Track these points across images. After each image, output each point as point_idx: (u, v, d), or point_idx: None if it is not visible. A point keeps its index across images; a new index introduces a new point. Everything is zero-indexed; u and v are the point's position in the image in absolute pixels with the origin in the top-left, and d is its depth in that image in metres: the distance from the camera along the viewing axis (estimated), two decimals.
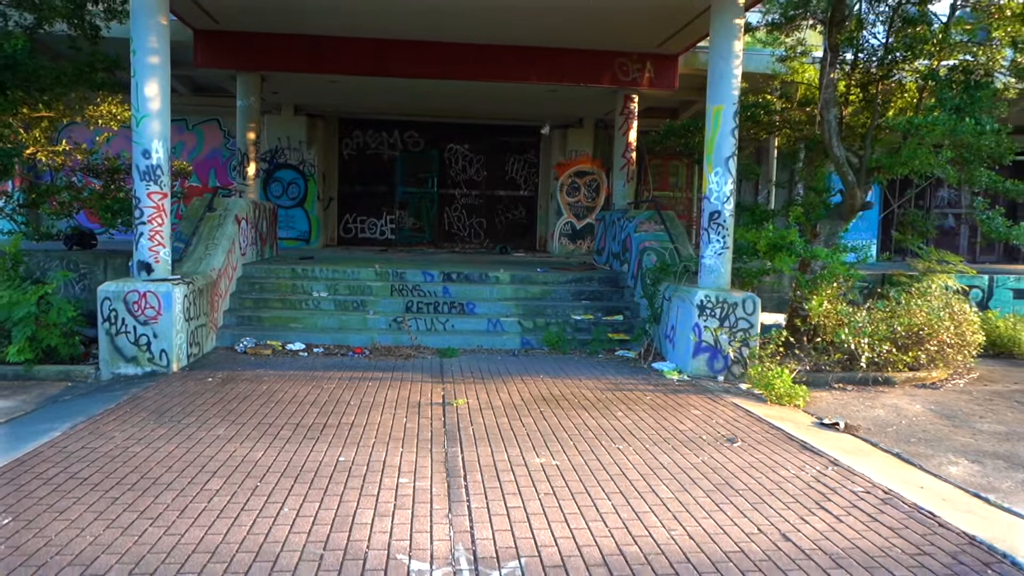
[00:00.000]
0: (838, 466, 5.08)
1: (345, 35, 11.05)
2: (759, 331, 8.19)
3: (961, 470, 5.32)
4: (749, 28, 11.54)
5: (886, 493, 4.56)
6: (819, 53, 10.22)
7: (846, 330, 8.20)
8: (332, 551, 3.54)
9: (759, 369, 7.63)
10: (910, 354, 8.35)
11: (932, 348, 8.52)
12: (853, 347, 8.19)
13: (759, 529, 3.96)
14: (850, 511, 4.25)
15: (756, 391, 7.43)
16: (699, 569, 3.47)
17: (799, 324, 9.51)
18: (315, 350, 8.72)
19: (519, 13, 9.76)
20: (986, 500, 4.67)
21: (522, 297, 10.22)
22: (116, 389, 6.82)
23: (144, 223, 7.68)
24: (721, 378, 7.94)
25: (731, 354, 7.99)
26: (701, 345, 8.02)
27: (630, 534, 3.83)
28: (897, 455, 5.63)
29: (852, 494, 4.53)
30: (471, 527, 3.86)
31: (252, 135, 11.92)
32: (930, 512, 4.26)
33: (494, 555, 3.55)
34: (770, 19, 10.44)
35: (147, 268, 7.74)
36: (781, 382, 7.28)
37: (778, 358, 8.14)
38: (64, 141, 10.02)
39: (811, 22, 10.19)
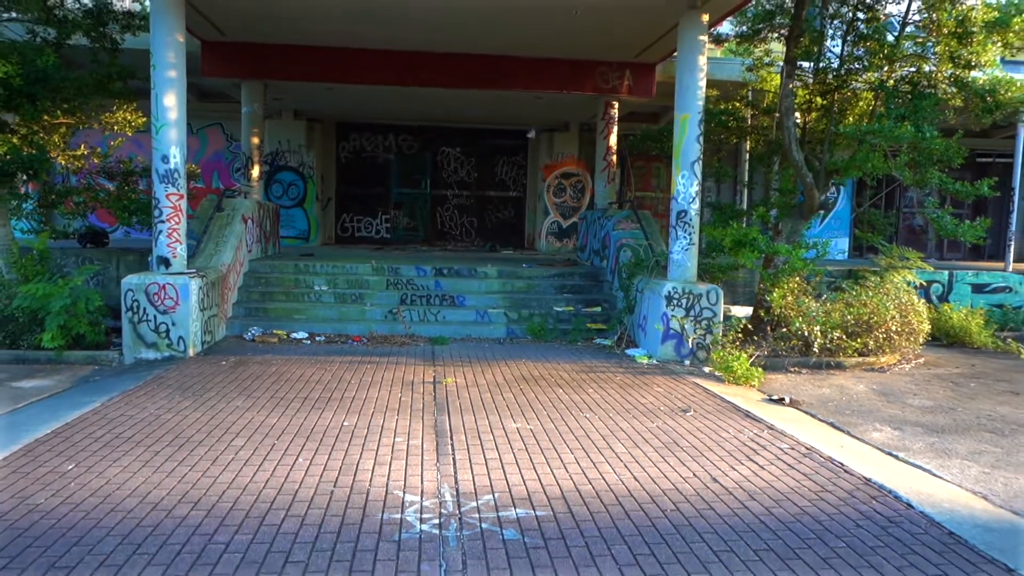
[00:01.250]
0: (773, 430, 5.90)
1: (343, 45, 11.79)
2: (722, 320, 9.01)
3: (882, 435, 6.15)
4: (720, 39, 12.42)
5: (808, 449, 5.38)
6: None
7: (800, 318, 9.03)
8: (341, 488, 4.34)
9: (720, 354, 8.45)
10: (859, 341, 9.18)
11: (880, 335, 9.34)
12: (807, 334, 9.02)
13: (694, 474, 4.77)
14: (773, 462, 5.07)
15: (717, 373, 8.25)
16: (639, 500, 4.28)
17: (763, 315, 10.35)
18: (317, 338, 9.50)
19: (507, 26, 10.53)
20: (894, 456, 5.50)
21: (508, 290, 11.02)
22: (140, 371, 7.59)
23: (163, 222, 8.46)
24: (687, 362, 8.76)
25: (695, 340, 8.81)
26: (669, 332, 8.84)
27: (586, 477, 4.65)
28: (830, 423, 6.46)
29: (779, 450, 5.35)
30: (455, 472, 4.67)
31: (256, 139, 12.70)
32: (840, 463, 5.09)
33: (473, 491, 4.36)
34: (740, 31, 11.28)
35: (166, 262, 8.52)
36: (739, 365, 8.11)
37: (737, 344, 8.95)
38: (83, 146, 10.74)
39: (776, 35, 11.03)
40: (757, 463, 5.04)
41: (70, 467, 4.57)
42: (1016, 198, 14.41)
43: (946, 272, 14.07)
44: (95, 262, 12.05)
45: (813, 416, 6.69)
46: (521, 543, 3.68)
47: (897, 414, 6.87)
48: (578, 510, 4.11)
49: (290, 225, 16.06)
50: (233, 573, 3.29)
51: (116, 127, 10.94)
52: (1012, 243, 14.29)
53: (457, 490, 4.36)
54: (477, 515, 4.01)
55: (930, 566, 3.58)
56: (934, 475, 5.07)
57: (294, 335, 9.53)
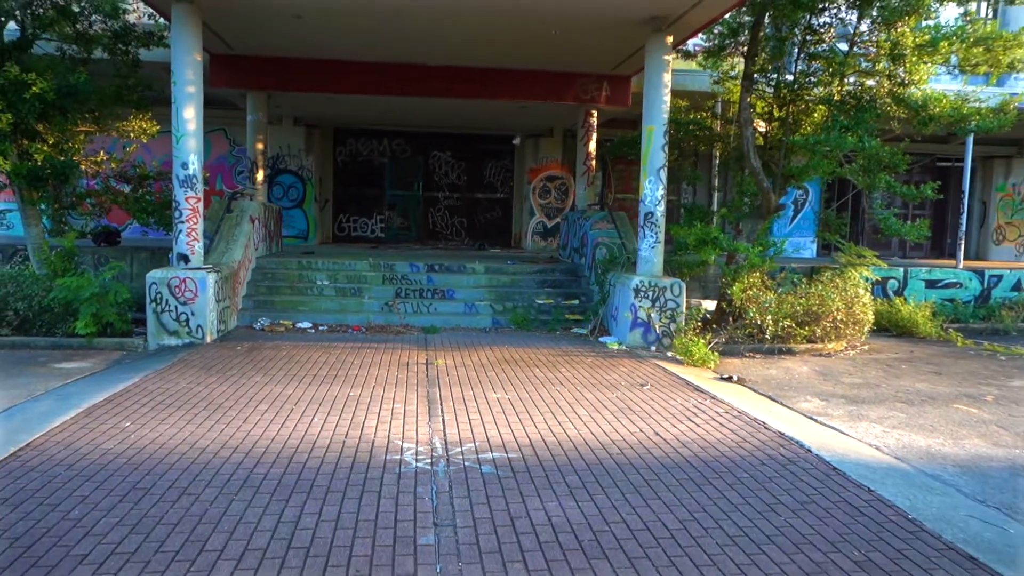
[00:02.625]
0: (715, 399, 6.94)
1: (343, 59, 12.74)
2: (684, 310, 10.05)
3: (810, 405, 7.19)
4: (689, 55, 13.44)
5: (740, 413, 6.43)
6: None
7: (754, 308, 10.09)
8: (351, 439, 5.35)
9: (682, 340, 9.48)
10: (807, 329, 10.24)
11: (827, 324, 10.41)
12: (760, 323, 10.08)
13: (640, 431, 5.80)
14: (708, 422, 6.10)
15: (678, 357, 9.29)
16: (592, 447, 5.30)
17: (725, 307, 11.40)
18: (320, 328, 10.49)
19: (494, 42, 11.51)
20: (812, 419, 6.55)
21: (494, 285, 12.03)
22: (164, 355, 8.56)
23: (183, 222, 9.43)
24: (653, 348, 9.79)
25: (661, 328, 9.84)
26: (637, 321, 9.87)
27: (551, 432, 5.67)
28: (767, 396, 7.50)
29: (715, 414, 6.39)
30: (444, 428, 5.68)
31: (260, 145, 13.67)
32: (764, 423, 6.13)
33: (458, 440, 5.37)
34: (708, 47, 12.32)
35: (185, 259, 9.48)
36: (697, 349, 9.14)
37: (698, 332, 9.99)
38: (102, 152, 11.69)
39: (740, 51, 12.07)
40: (695, 423, 6.07)
41: (127, 424, 5.56)
42: (966, 200, 15.51)
43: (901, 269, 15.16)
44: (109, 259, 12.96)
45: (754, 390, 7.73)
46: (495, 475, 4.70)
47: (828, 389, 7.93)
48: (542, 453, 5.14)
49: (290, 225, 17.00)
50: (273, 492, 4.29)
51: (132, 134, 11.89)
52: (962, 241, 15.38)
53: (445, 440, 5.38)
54: (461, 456, 5.02)
55: (810, 488, 4.62)
56: (841, 432, 6.13)
57: (299, 325, 10.51)
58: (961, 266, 15.39)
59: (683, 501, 4.37)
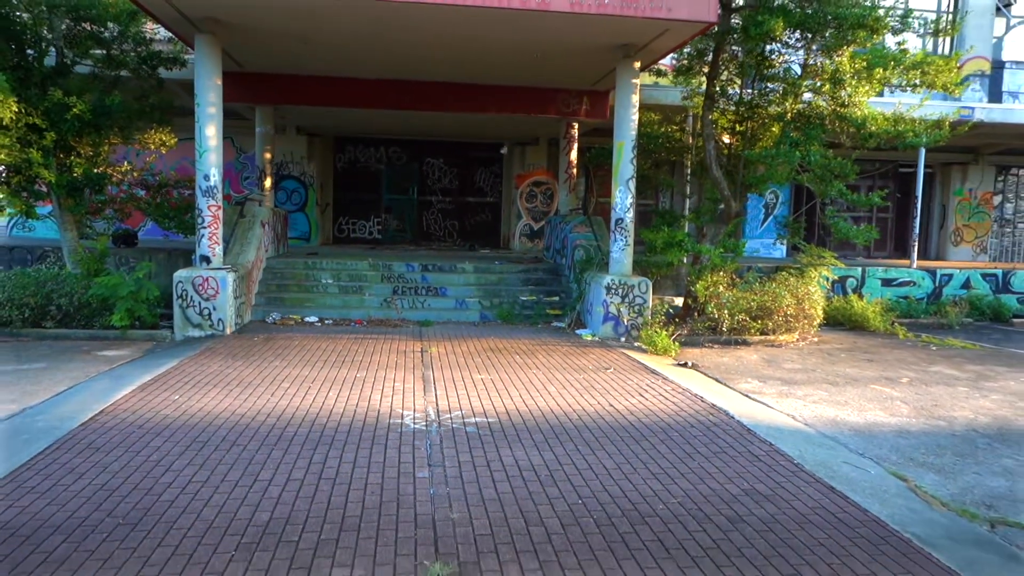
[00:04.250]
0: (666, 380, 8.19)
1: (344, 75, 13.94)
2: (651, 305, 11.30)
3: (748, 385, 8.44)
4: (661, 72, 14.69)
5: (684, 390, 7.68)
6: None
7: (712, 304, 11.35)
8: (360, 408, 6.57)
9: (648, 332, 10.72)
10: (760, 322, 11.50)
11: (779, 318, 11.67)
12: (718, 317, 11.34)
13: (598, 403, 7.04)
14: (655, 397, 7.35)
15: (643, 347, 10.53)
16: (556, 414, 6.54)
17: (690, 303, 12.67)
18: (326, 321, 11.70)
19: (483, 62, 12.70)
20: (745, 395, 7.81)
21: (483, 283, 13.26)
22: (191, 345, 9.75)
23: (205, 227, 10.62)
24: (622, 339, 11.04)
25: (629, 321, 11.08)
26: (608, 315, 11.11)
27: (525, 404, 6.90)
28: (714, 378, 8.76)
29: (663, 391, 7.64)
30: (436, 400, 6.91)
31: (268, 155, 14.86)
32: (701, 397, 7.38)
33: (448, 409, 6.60)
34: (678, 66, 13.56)
35: (207, 260, 10.68)
36: (660, 340, 10.39)
37: (662, 324, 11.23)
38: (126, 163, 12.86)
39: (704, 72, 13.32)
40: (644, 397, 7.32)
41: (176, 397, 6.77)
42: (919, 204, 16.80)
43: (859, 268, 16.44)
44: (129, 260, 14.13)
45: (704, 374, 8.99)
46: (476, 433, 5.93)
47: (769, 373, 9.19)
48: (515, 419, 6.37)
49: (293, 227, 18.18)
50: (303, 444, 5.52)
51: (152, 146, 13.08)
52: (916, 243, 16.67)
53: (437, 409, 6.61)
54: (450, 420, 6.26)
55: (724, 443, 5.87)
56: (766, 405, 7.39)
57: (307, 319, 11.72)
58: (915, 266, 16.68)
59: (622, 451, 5.61)
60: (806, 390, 8.23)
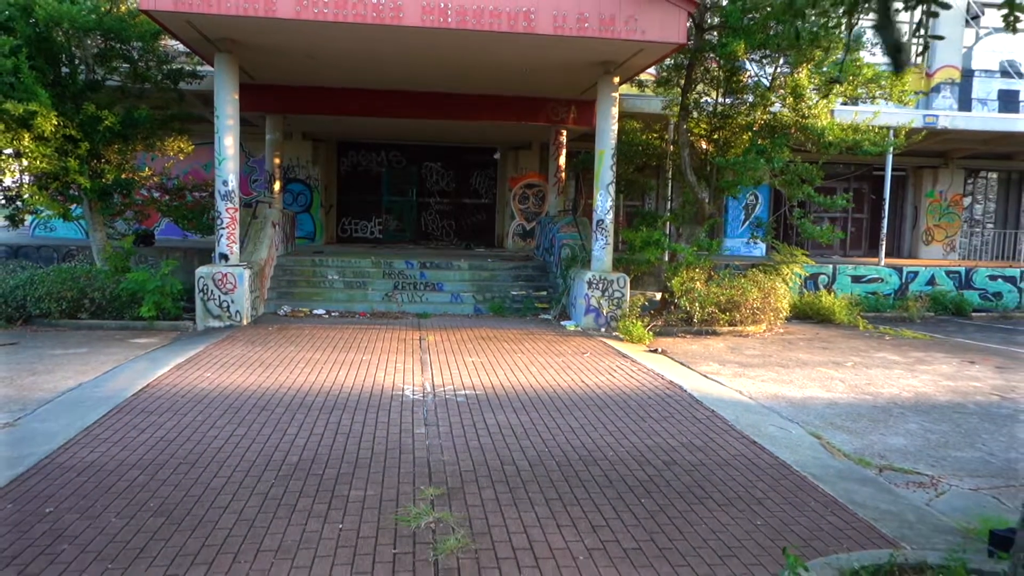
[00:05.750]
0: (635, 363, 9.30)
1: (347, 86, 15.02)
2: (628, 298, 12.40)
3: (708, 368, 9.55)
4: (642, 84, 15.79)
5: (649, 371, 8.79)
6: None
7: (685, 297, 12.46)
8: (368, 383, 7.68)
9: (625, 323, 11.82)
10: (728, 315, 12.61)
11: (746, 311, 12.78)
12: (690, 309, 12.45)
13: (571, 380, 8.15)
14: (622, 376, 8.46)
15: (620, 336, 11.63)
16: (535, 388, 7.65)
17: (667, 297, 13.77)
18: (332, 314, 12.81)
19: (477, 76, 13.79)
20: (703, 375, 8.92)
21: (477, 279, 14.36)
22: (213, 334, 10.85)
23: (223, 228, 11.72)
24: (602, 329, 12.14)
25: (609, 313, 12.19)
26: (590, 308, 12.22)
27: (508, 380, 8.01)
28: (679, 362, 9.86)
29: (631, 371, 8.74)
30: (432, 377, 8.02)
31: (277, 160, 15.97)
32: (662, 375, 8.49)
33: (442, 384, 7.71)
34: (657, 78, 14.67)
35: (225, 257, 11.78)
36: (636, 330, 11.49)
37: (638, 315, 12.34)
38: (148, 168, 13.96)
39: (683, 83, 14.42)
40: (612, 376, 8.43)
41: (209, 375, 7.88)
42: (887, 205, 17.90)
43: (830, 266, 17.57)
44: (148, 258, 15.23)
45: (671, 358, 10.10)
46: (465, 402, 7.04)
47: (730, 358, 10.30)
48: (499, 392, 7.48)
49: (299, 227, 19.27)
50: (321, 409, 6.62)
51: (171, 152, 14.16)
52: (884, 242, 17.78)
53: (433, 384, 7.72)
54: (443, 392, 7.37)
55: (674, 410, 6.99)
56: (719, 383, 8.50)
57: (315, 312, 12.83)
58: (883, 263, 17.79)
59: (586, 415, 6.73)
60: (758, 372, 9.35)
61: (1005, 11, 3.46)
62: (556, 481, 5.05)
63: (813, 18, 7.36)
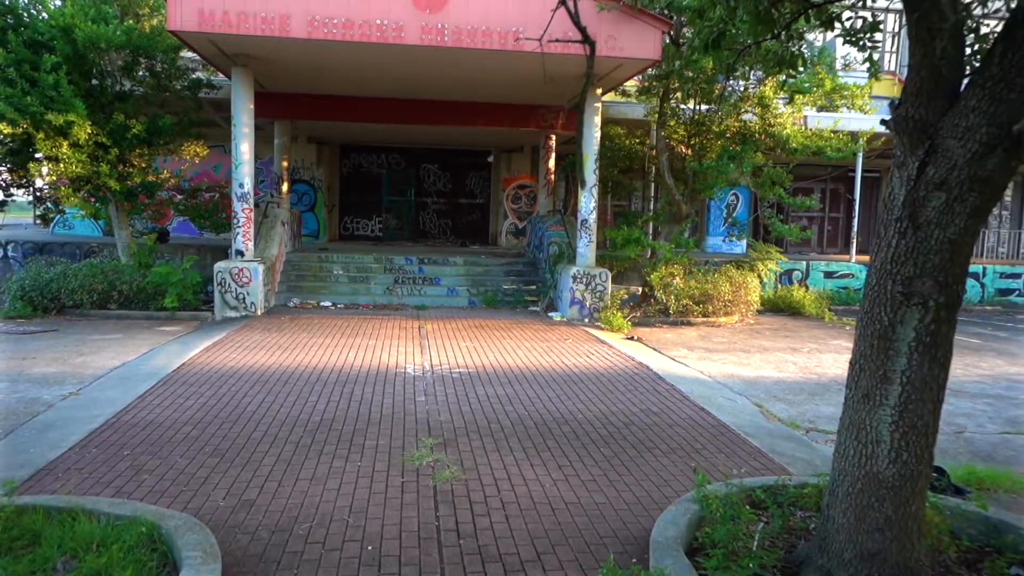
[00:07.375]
0: (612, 348, 10.42)
1: (351, 95, 16.11)
2: (610, 291, 13.53)
3: (677, 352, 10.67)
4: (626, 92, 16.90)
5: (622, 354, 9.91)
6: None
7: (662, 290, 13.59)
8: (374, 363, 8.80)
9: (606, 314, 12.95)
10: (702, 307, 13.74)
11: (718, 303, 13.91)
12: (666, 301, 13.58)
13: (552, 361, 9.27)
14: (598, 358, 9.59)
15: (601, 325, 12.76)
16: (520, 368, 8.78)
17: (647, 290, 14.90)
18: (338, 305, 13.91)
19: (471, 85, 14.91)
20: (671, 358, 10.05)
21: (471, 274, 15.48)
22: (231, 323, 11.95)
23: (239, 227, 12.82)
24: (585, 319, 13.27)
25: (592, 305, 13.31)
26: (574, 300, 13.34)
27: (496, 362, 9.14)
28: (652, 348, 10.99)
29: (606, 355, 9.87)
30: (430, 359, 9.14)
31: (285, 163, 17.07)
32: (633, 357, 9.62)
33: (440, 364, 8.84)
34: (640, 87, 15.78)
35: (241, 254, 12.88)
36: (616, 320, 12.62)
37: (619, 308, 13.47)
38: (167, 171, 15.05)
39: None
40: (589, 358, 9.56)
41: (234, 355, 8.99)
42: (857, 205, 19.04)
43: (804, 262, 18.71)
44: (164, 254, 16.31)
45: (645, 345, 11.23)
46: (459, 378, 8.17)
47: (699, 345, 11.43)
48: (488, 370, 8.61)
49: (304, 226, 20.37)
50: (335, 383, 7.74)
51: (188, 156, 15.25)
52: (854, 240, 18.93)
53: (431, 364, 8.84)
54: (440, 370, 8.49)
55: (638, 385, 8.12)
56: (684, 364, 9.63)
57: (322, 303, 13.93)
58: (854, 260, 18.94)
59: (563, 388, 7.86)
60: (721, 356, 10.48)
61: (867, 64, 4.59)
62: (532, 435, 6.18)
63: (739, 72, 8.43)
